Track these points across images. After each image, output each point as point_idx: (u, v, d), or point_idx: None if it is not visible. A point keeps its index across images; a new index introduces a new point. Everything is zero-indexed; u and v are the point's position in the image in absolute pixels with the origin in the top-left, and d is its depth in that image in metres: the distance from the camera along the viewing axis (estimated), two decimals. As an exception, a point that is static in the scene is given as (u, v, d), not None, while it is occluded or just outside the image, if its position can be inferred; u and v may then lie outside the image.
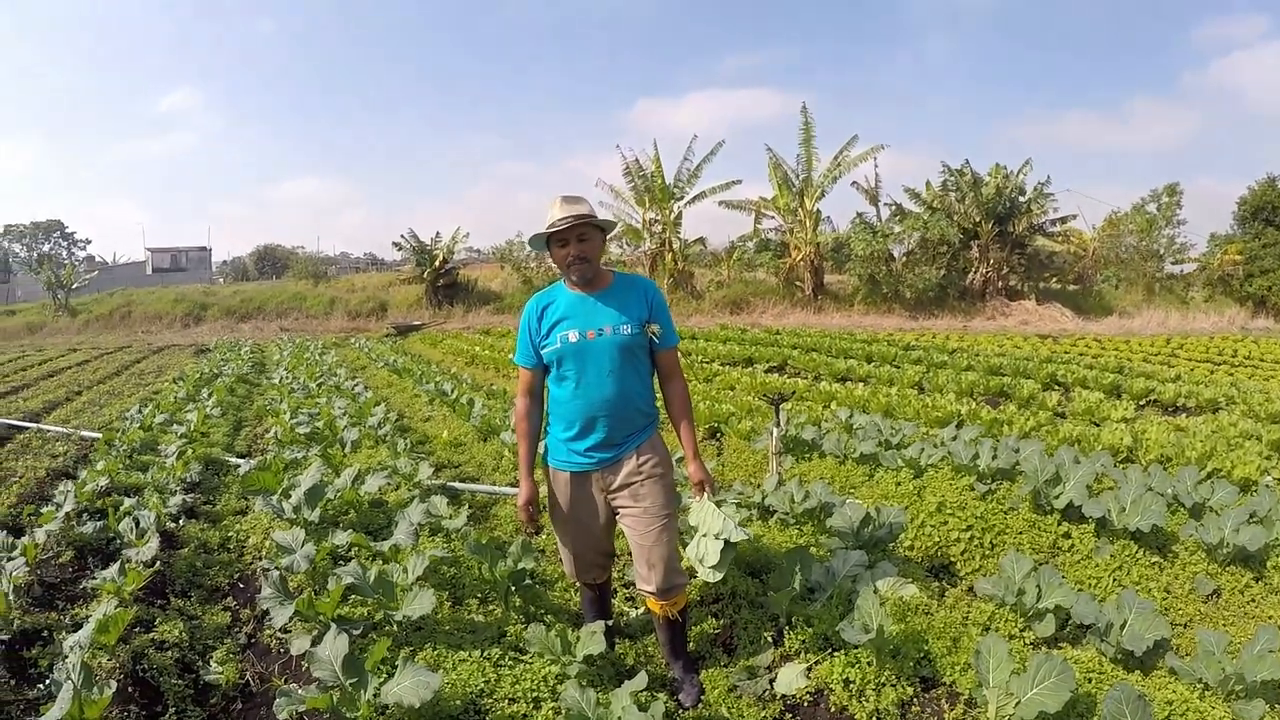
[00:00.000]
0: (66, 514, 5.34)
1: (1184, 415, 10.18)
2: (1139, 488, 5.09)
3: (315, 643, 3.36)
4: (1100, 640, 3.57)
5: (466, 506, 5.45)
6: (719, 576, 3.53)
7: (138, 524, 5.11)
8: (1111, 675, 3.37)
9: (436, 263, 34.63)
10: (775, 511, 5.32)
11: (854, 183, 32.56)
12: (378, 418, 8.83)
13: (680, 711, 3.31)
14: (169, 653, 3.67)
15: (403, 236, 35.61)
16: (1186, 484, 5.46)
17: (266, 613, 3.88)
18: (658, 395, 3.49)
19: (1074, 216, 34.41)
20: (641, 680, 2.92)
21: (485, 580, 4.17)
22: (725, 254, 35.78)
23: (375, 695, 2.92)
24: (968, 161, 32.45)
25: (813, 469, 6.65)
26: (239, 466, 7.05)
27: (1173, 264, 34.78)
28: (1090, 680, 3.29)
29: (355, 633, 3.58)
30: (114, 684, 2.98)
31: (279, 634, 3.91)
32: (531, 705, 3.15)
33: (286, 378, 13.92)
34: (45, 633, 3.82)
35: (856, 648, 3.40)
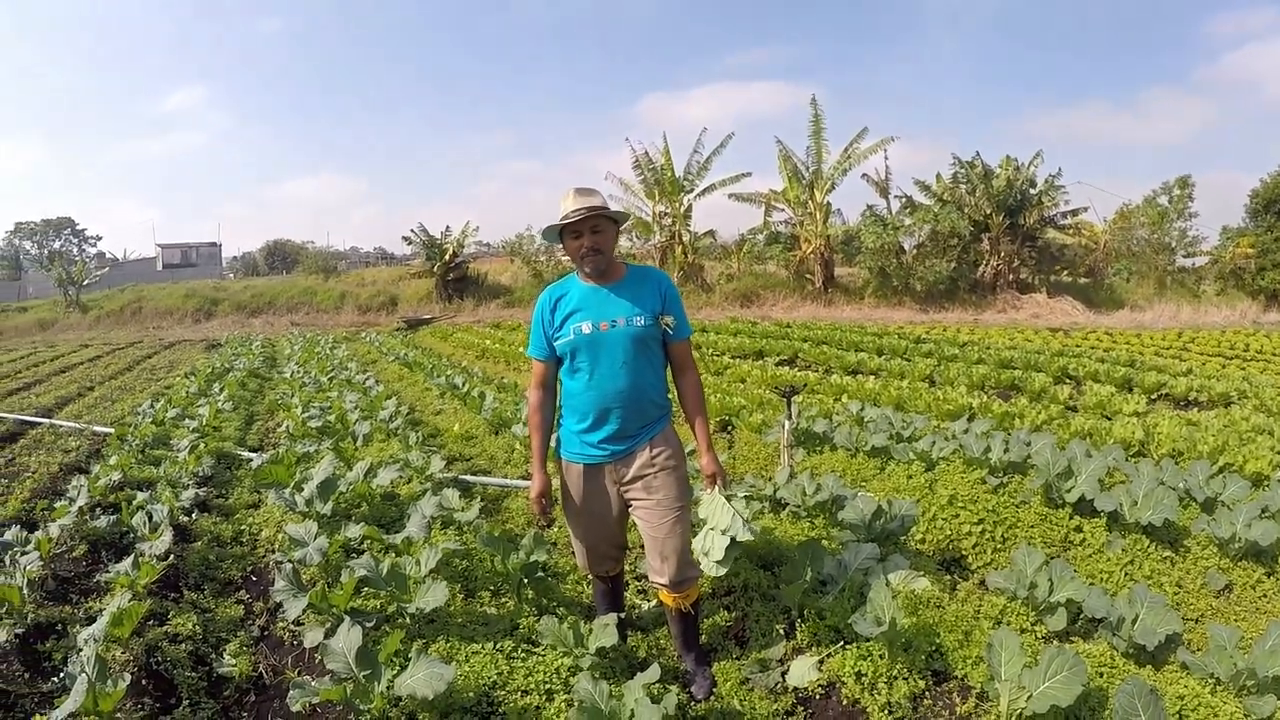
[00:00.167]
0: (80, 508, 5.37)
1: (1196, 409, 10.14)
2: (1151, 482, 5.07)
3: (328, 635, 3.37)
4: (1112, 634, 3.56)
5: (478, 499, 5.46)
6: (722, 572, 3.54)
7: (151, 518, 5.14)
8: (1123, 669, 3.36)
9: (446, 257, 34.68)
10: (787, 504, 5.32)
11: (864, 175, 32.49)
12: (389, 411, 8.85)
13: (692, 704, 3.31)
14: (182, 645, 3.70)
15: (413, 231, 35.72)
16: (1198, 478, 5.44)
17: (279, 605, 3.90)
18: (671, 387, 3.49)
19: (1085, 209, 34.33)
20: (654, 672, 2.92)
21: (498, 573, 4.18)
22: (735, 247, 35.67)
23: (389, 687, 2.94)
24: (978, 154, 32.37)
25: (824, 462, 6.64)
26: (251, 460, 7.08)
27: (1184, 257, 34.56)
28: (1102, 674, 3.29)
29: (368, 625, 3.60)
30: (128, 676, 3.00)
31: (292, 627, 3.94)
32: (544, 697, 3.16)
33: (298, 372, 13.95)
34: (59, 626, 3.86)
35: (868, 640, 3.40)
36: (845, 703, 3.27)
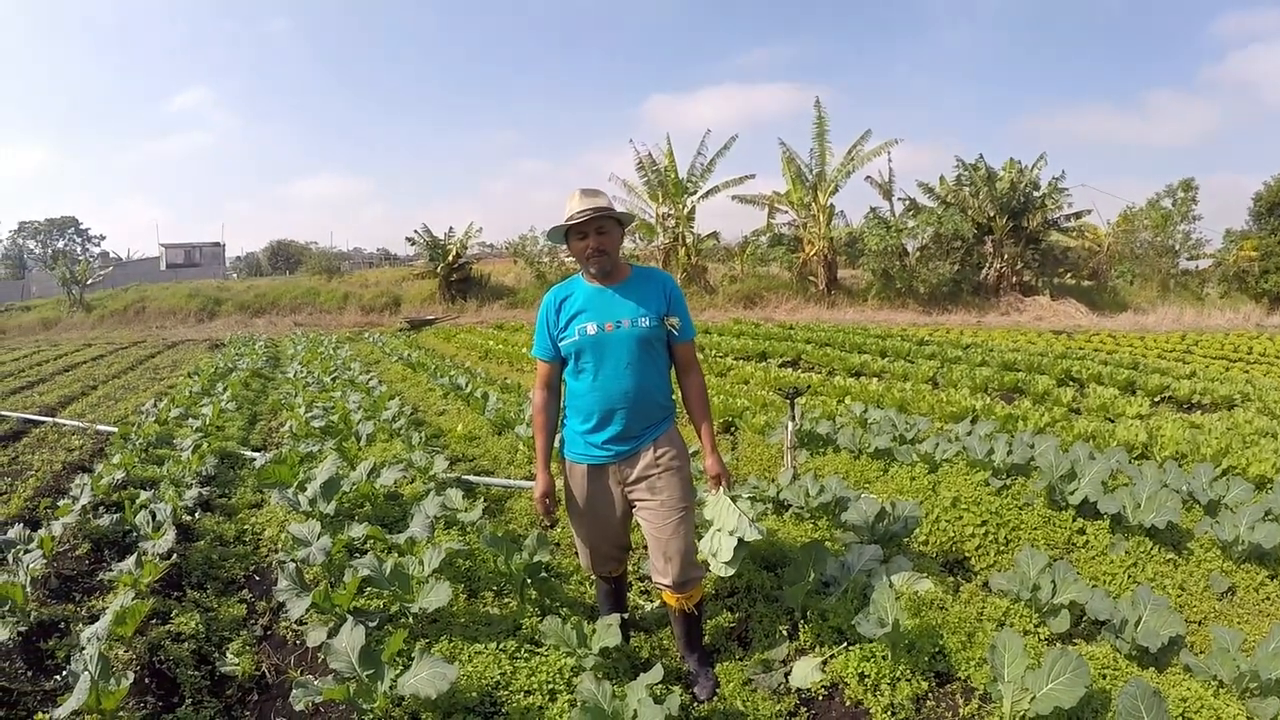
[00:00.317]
0: (83, 507, 5.37)
1: (1199, 412, 10.12)
2: (1154, 484, 5.07)
3: (332, 634, 3.38)
4: (1115, 637, 3.55)
5: (482, 500, 5.46)
6: (731, 572, 3.55)
7: (154, 517, 5.15)
8: (1126, 671, 3.36)
9: (450, 257, 34.66)
10: (790, 505, 5.32)
11: (868, 177, 32.43)
12: (392, 411, 8.86)
13: (695, 704, 3.31)
14: (185, 644, 3.70)
15: (416, 231, 35.67)
16: (1202, 481, 5.43)
17: (283, 605, 3.91)
18: (674, 389, 3.49)
19: (1089, 212, 34.39)
20: (657, 673, 2.92)
21: (501, 573, 4.19)
22: (738, 249, 35.63)
23: (392, 687, 2.94)
24: (982, 156, 32.30)
25: (827, 463, 6.64)
26: (254, 460, 7.09)
27: (1188, 260, 34.50)
28: (1105, 676, 3.28)
29: (371, 625, 3.61)
30: (131, 675, 3.00)
31: (295, 626, 3.94)
32: (547, 697, 3.16)
33: (301, 372, 13.96)
34: (62, 624, 3.87)
35: (871, 642, 3.40)
36: (848, 704, 3.27)
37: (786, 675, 3.48)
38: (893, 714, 3.15)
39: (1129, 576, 4.52)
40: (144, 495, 5.62)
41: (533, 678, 3.26)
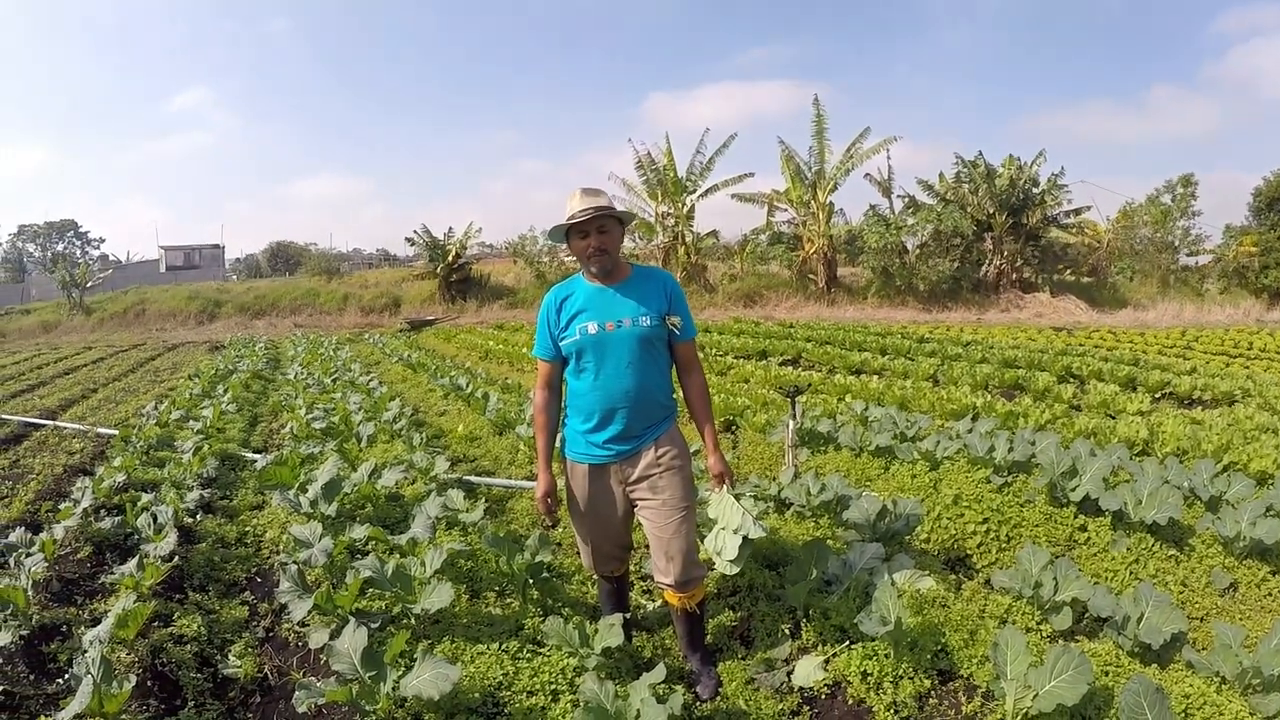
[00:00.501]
0: (84, 510, 5.38)
1: (1200, 408, 10.12)
2: (1155, 481, 5.07)
3: (334, 636, 3.38)
4: (1117, 633, 3.55)
5: (483, 500, 5.46)
6: (736, 570, 3.55)
7: (155, 519, 5.15)
8: (1129, 668, 3.36)
9: (449, 258, 34.64)
10: (791, 504, 5.32)
11: (867, 175, 32.36)
12: (393, 412, 8.86)
13: (698, 704, 3.31)
14: (187, 647, 3.71)
15: (415, 232, 35.64)
16: (1203, 477, 5.43)
17: (284, 606, 3.91)
18: (676, 388, 3.49)
19: (1088, 208, 34.25)
20: (660, 672, 2.92)
21: (503, 573, 4.18)
22: (738, 247, 35.61)
23: (394, 688, 2.94)
24: (981, 153, 32.22)
25: (828, 462, 6.64)
26: (255, 462, 7.09)
27: (1188, 256, 34.46)
28: (1107, 673, 3.28)
29: (374, 626, 3.61)
30: (133, 678, 3.01)
31: (297, 628, 3.94)
32: (550, 698, 3.16)
33: (301, 373, 13.97)
34: (64, 628, 3.87)
35: (874, 640, 3.40)
36: (851, 702, 3.27)
37: (789, 674, 3.48)
38: (895, 712, 3.15)
39: (1131, 573, 4.52)
40: (145, 498, 5.62)
41: (535, 678, 3.26)
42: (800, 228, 32.95)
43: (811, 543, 4.15)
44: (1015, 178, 30.98)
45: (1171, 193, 33.53)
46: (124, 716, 3.01)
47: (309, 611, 3.76)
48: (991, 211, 30.99)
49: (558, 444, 3.49)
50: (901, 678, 3.27)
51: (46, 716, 2.99)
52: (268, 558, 5.05)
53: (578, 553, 3.92)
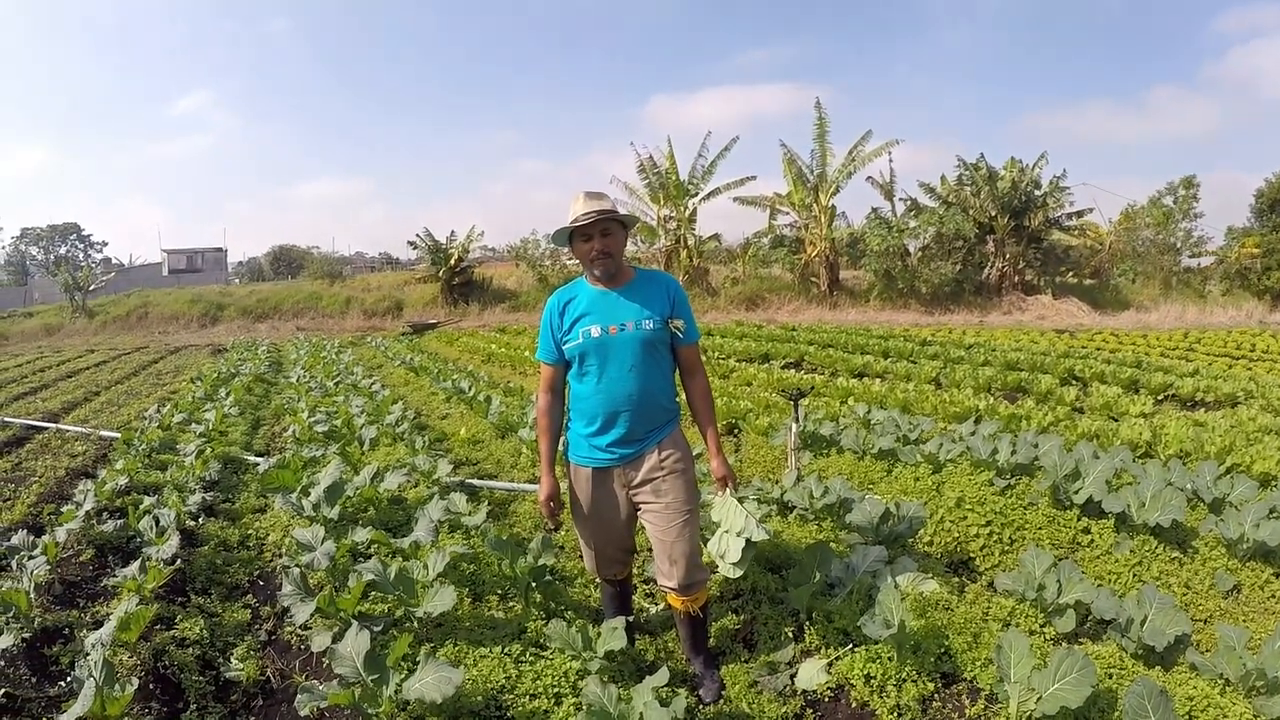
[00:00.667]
0: (86, 513, 5.38)
1: (1202, 410, 10.10)
2: (1158, 483, 5.06)
3: (336, 639, 3.38)
4: (1121, 636, 3.55)
5: (486, 503, 5.45)
6: (739, 573, 3.54)
7: (157, 522, 5.15)
8: (1132, 671, 3.35)
9: (451, 261, 34.67)
10: (794, 507, 5.32)
11: (869, 178, 32.40)
12: (395, 416, 8.86)
13: (701, 707, 3.31)
14: (190, 650, 3.71)
15: (418, 235, 35.67)
16: (1206, 479, 5.42)
17: (287, 610, 3.91)
18: (678, 391, 3.49)
19: (1090, 210, 34.18)
20: (663, 676, 2.92)
21: (505, 577, 4.18)
22: (740, 250, 35.59)
23: (397, 691, 2.94)
24: (983, 155, 32.26)
25: (831, 464, 6.63)
26: (258, 465, 7.09)
27: (1190, 257, 34.46)
28: (1111, 676, 3.27)
29: (376, 629, 3.60)
30: (135, 681, 3.00)
31: (299, 631, 3.94)
32: (553, 701, 3.16)
33: (304, 376, 13.97)
34: (67, 630, 3.87)
35: (877, 643, 3.39)
36: (854, 705, 3.27)
37: (792, 677, 3.47)
38: (899, 715, 3.14)
39: (1134, 575, 4.51)
40: (147, 501, 5.61)
41: (538, 681, 3.26)
42: (802, 231, 32.96)
43: (814, 546, 4.15)
44: (1017, 180, 30.97)
45: (1173, 194, 33.57)
46: (126, 719, 3.01)
47: (311, 615, 3.76)
48: (993, 214, 30.98)
49: (561, 447, 3.49)
50: (905, 681, 3.26)
51: (49, 719, 2.98)
52: (270, 561, 5.05)
53: (580, 556, 3.92)
